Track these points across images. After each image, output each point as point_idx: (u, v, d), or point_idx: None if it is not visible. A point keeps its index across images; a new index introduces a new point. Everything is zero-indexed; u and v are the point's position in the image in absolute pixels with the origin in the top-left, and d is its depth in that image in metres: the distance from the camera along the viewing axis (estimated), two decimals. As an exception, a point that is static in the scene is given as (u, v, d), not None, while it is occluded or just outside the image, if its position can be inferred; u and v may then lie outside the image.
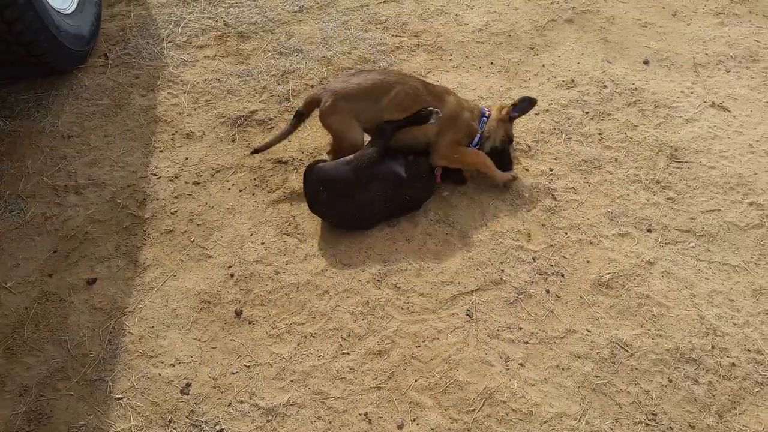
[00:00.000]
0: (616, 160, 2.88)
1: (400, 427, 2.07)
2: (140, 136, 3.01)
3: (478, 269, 2.48)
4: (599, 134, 3.00)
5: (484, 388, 2.15)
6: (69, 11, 3.25)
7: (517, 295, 2.40)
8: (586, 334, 2.28)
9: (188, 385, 2.19)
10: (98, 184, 2.81)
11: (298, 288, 2.44)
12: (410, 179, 2.58)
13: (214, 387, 2.19)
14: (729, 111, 3.10)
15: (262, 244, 2.59)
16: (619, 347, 2.24)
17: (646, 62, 3.41)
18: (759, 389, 2.14)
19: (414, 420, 2.09)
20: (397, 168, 2.57)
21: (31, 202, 2.74)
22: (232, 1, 3.76)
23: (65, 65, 3.25)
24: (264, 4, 3.74)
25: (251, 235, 2.62)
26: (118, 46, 3.48)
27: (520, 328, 2.30)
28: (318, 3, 3.76)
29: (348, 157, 2.54)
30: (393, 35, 3.58)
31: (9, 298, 2.43)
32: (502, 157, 2.76)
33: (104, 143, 2.98)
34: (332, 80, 2.77)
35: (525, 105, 2.72)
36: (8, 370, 2.23)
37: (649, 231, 2.60)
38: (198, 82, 3.26)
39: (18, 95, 3.20)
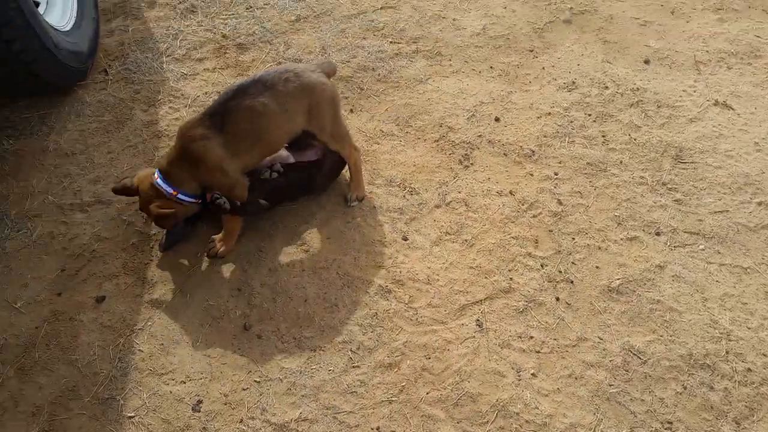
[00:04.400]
0: (621, 162, 2.87)
1: (413, 440, 2.07)
2: (143, 152, 3.00)
3: (486, 278, 2.47)
4: (603, 136, 2.99)
5: (497, 400, 2.14)
6: (67, 28, 3.24)
7: (526, 303, 2.39)
8: (598, 342, 2.27)
9: (199, 402, 2.19)
10: (104, 201, 2.80)
11: (306, 301, 2.44)
12: None
13: (225, 403, 2.18)
14: (733, 109, 3.09)
15: (270, 258, 2.58)
16: (631, 354, 2.23)
17: (646, 62, 3.40)
18: (774, 393, 2.13)
19: (427, 433, 2.08)
20: None
21: (38, 221, 2.74)
22: (230, 13, 3.75)
23: (65, 82, 3.24)
24: (261, 14, 3.73)
25: (260, 251, 2.61)
26: (117, 61, 3.47)
27: (531, 337, 2.29)
28: (315, 12, 3.75)
29: None
30: (391, 42, 3.57)
31: (19, 318, 2.42)
32: None
33: (108, 160, 2.98)
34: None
35: None
36: (20, 390, 2.22)
37: (658, 234, 2.59)
38: (198, 96, 3.26)
39: (21, 114, 3.19)
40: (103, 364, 2.29)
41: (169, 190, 2.39)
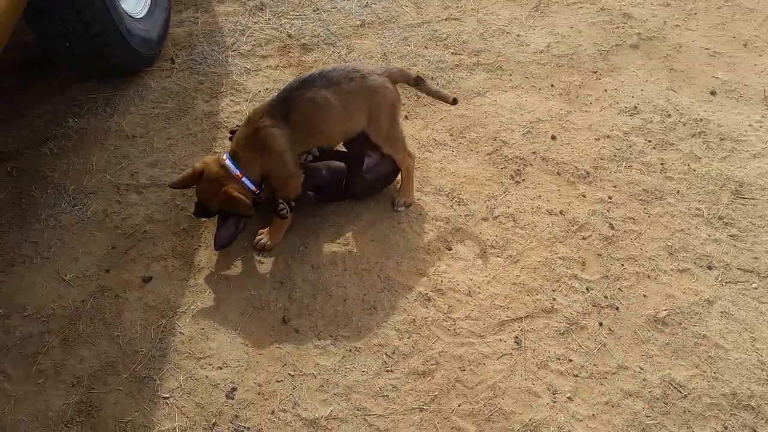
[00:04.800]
0: (677, 192, 2.79)
1: (441, 451, 2.05)
2: (202, 141, 3.08)
3: (528, 295, 2.44)
4: (661, 164, 2.92)
5: (530, 420, 2.10)
6: (140, 16, 3.36)
7: (568, 325, 2.35)
8: (639, 372, 2.21)
9: (234, 389, 2.22)
10: (159, 184, 2.89)
11: (345, 301, 2.45)
12: None
13: (259, 393, 2.21)
14: (801, 148, 2.98)
15: (314, 254, 2.61)
16: (672, 387, 2.17)
17: (713, 93, 3.31)
18: (822, 444, 2.03)
19: (456, 445, 2.06)
20: None
21: (94, 199, 2.84)
22: (297, 13, 3.82)
23: (133, 67, 3.36)
24: (327, 17, 3.80)
25: (304, 247, 2.64)
26: (184, 51, 3.58)
27: (570, 360, 2.25)
28: (380, 18, 3.79)
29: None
30: (453, 53, 3.57)
31: (68, 290, 2.51)
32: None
33: (167, 145, 3.07)
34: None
35: None
36: (63, 360, 2.30)
37: (710, 268, 2.51)
38: (260, 91, 3.33)
39: (88, 94, 3.32)
40: (144, 343, 2.35)
41: (236, 171, 2.49)
